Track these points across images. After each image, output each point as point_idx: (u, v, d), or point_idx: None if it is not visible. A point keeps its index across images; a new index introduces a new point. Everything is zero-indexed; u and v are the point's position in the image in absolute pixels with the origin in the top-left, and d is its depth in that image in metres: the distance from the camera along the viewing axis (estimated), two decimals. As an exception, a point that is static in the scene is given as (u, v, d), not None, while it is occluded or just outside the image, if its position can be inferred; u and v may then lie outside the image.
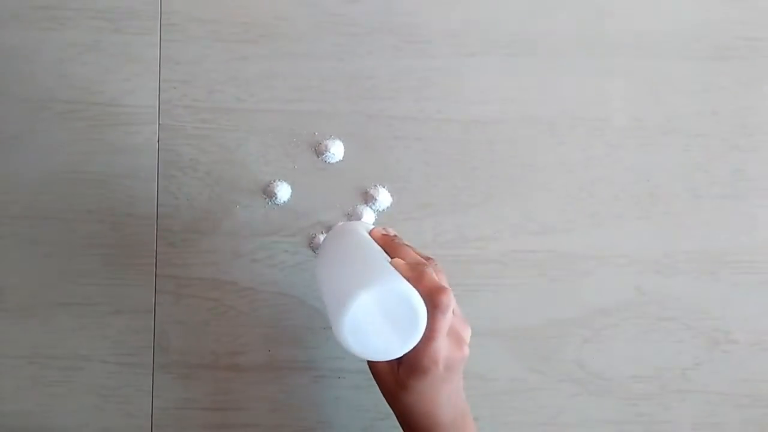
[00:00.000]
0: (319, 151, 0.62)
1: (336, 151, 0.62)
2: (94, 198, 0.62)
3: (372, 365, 0.52)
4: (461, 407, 0.53)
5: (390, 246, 0.52)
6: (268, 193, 0.62)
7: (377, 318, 0.45)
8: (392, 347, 0.46)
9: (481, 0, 0.62)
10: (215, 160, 0.62)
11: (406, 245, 0.52)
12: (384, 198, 0.62)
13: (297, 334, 0.63)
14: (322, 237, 0.62)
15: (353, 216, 0.62)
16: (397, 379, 0.50)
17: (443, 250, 0.62)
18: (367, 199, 0.62)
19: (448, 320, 0.47)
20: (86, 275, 0.62)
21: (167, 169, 0.62)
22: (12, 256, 0.62)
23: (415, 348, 0.46)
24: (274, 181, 0.62)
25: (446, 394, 0.50)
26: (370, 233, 0.54)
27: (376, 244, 0.52)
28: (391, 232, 0.55)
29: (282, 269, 0.62)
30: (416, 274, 0.48)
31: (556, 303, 0.63)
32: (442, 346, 0.48)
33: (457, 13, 0.62)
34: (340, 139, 0.62)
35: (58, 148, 0.62)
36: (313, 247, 0.62)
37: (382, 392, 0.53)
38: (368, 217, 0.62)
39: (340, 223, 0.59)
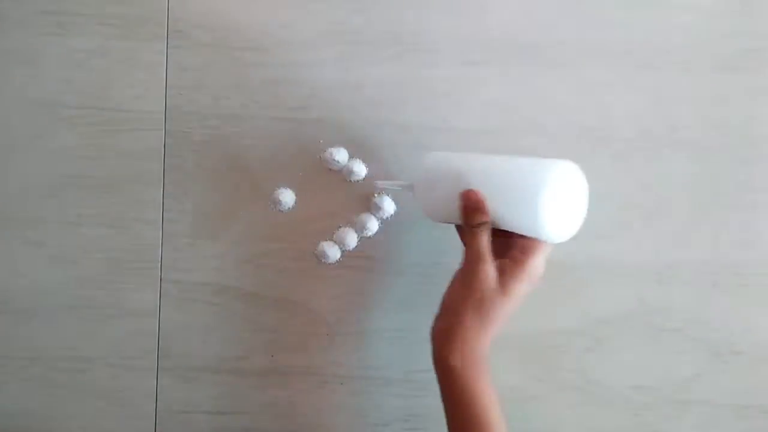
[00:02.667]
0: (324, 158, 0.62)
1: (341, 158, 0.62)
2: (101, 202, 0.62)
3: (486, 267, 0.52)
4: None
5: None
6: (273, 200, 0.62)
7: (563, 194, 0.50)
8: (564, 227, 0.51)
9: (485, 10, 0.62)
10: (221, 166, 0.63)
11: None
12: (388, 206, 0.62)
13: (300, 339, 0.63)
14: (326, 244, 0.62)
15: (357, 224, 0.62)
16: (502, 282, 0.52)
17: (447, 258, 0.62)
18: (372, 206, 0.62)
19: None
20: (91, 278, 0.63)
21: (173, 175, 0.62)
22: (18, 258, 0.62)
23: (535, 256, 0.52)
24: (279, 187, 0.62)
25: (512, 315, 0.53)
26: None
27: None
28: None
29: (286, 275, 0.63)
30: None
31: (558, 312, 0.63)
32: (544, 262, 0.53)
33: (462, 24, 0.62)
34: (344, 146, 0.62)
35: (65, 153, 0.62)
36: (318, 253, 0.62)
37: (465, 300, 0.52)
38: (373, 225, 0.62)
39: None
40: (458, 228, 0.58)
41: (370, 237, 0.62)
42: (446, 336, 0.53)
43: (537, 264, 0.52)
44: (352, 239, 0.62)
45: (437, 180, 0.55)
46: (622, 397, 0.63)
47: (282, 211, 0.62)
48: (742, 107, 0.62)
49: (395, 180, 0.61)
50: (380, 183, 0.61)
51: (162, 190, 0.62)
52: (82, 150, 0.62)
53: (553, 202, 0.49)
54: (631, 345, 0.63)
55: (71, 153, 0.62)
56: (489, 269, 0.52)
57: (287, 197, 0.62)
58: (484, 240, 0.52)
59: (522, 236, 0.53)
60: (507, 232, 0.53)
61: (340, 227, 0.63)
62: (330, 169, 0.62)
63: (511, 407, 0.62)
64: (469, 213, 0.53)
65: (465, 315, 0.52)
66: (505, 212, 0.52)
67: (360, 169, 0.62)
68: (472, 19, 0.62)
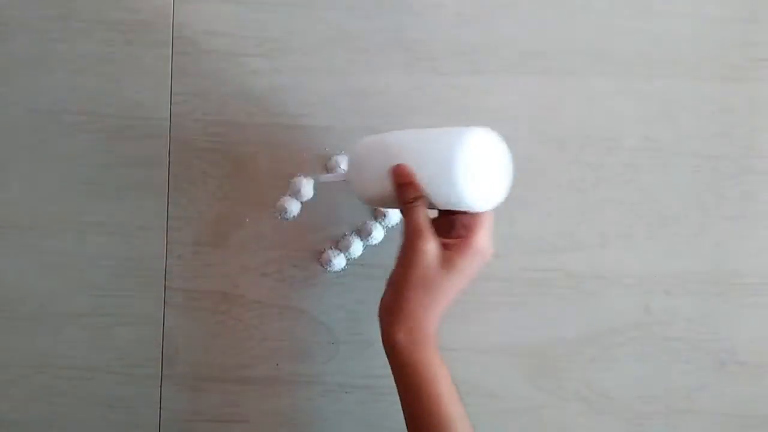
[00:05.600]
0: (329, 166, 0.62)
1: (346, 166, 0.61)
2: (105, 210, 0.62)
3: (424, 243, 0.51)
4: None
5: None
6: (278, 208, 0.62)
7: (483, 160, 0.49)
8: (489, 194, 0.50)
9: (492, 18, 0.62)
10: (225, 173, 0.62)
11: None
12: (393, 214, 0.62)
13: (305, 348, 0.63)
14: (331, 252, 0.62)
15: (363, 232, 0.62)
16: (445, 258, 0.51)
17: (452, 267, 0.62)
18: (377, 214, 0.62)
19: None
20: (96, 286, 0.62)
21: (177, 182, 0.62)
22: (23, 266, 0.62)
23: (477, 232, 0.51)
24: (284, 195, 0.62)
25: (457, 294, 0.52)
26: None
27: None
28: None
29: (291, 283, 0.63)
30: None
31: (563, 321, 0.63)
32: (490, 238, 0.52)
33: (469, 32, 0.62)
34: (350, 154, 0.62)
35: (69, 160, 0.62)
36: (323, 261, 0.62)
37: (407, 276, 0.51)
38: (378, 233, 0.62)
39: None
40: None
41: (375, 245, 0.62)
42: (391, 312, 0.52)
43: (480, 239, 0.51)
44: (357, 247, 0.62)
45: (367, 163, 0.54)
46: (628, 406, 0.63)
47: (287, 220, 0.62)
48: (748, 117, 0.62)
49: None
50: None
51: (166, 197, 0.62)
52: (87, 157, 0.62)
53: (468, 169, 0.48)
54: (637, 355, 0.63)
55: (75, 160, 0.62)
56: (429, 245, 0.51)
57: (293, 205, 0.62)
58: (421, 215, 0.51)
59: (464, 214, 0.52)
60: (451, 212, 0.52)
61: (345, 235, 0.62)
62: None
63: (516, 416, 0.63)
64: (401, 189, 0.51)
65: (408, 291, 0.51)
66: (430, 184, 0.50)
67: (365, 177, 0.62)
68: (480, 28, 0.62)
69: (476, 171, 0.49)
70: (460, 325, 0.62)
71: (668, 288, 0.62)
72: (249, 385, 0.63)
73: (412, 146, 0.52)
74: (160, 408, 0.63)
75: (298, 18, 0.62)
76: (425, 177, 0.50)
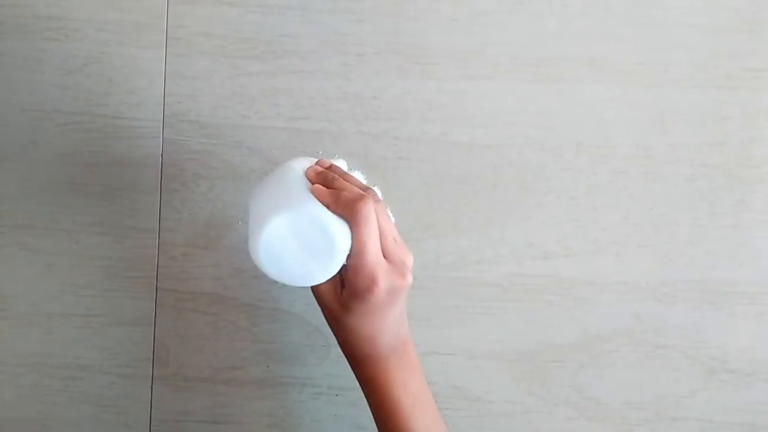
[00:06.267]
0: (322, 169, 0.62)
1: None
2: (97, 210, 0.62)
3: (315, 287, 0.51)
4: (403, 336, 0.53)
5: (326, 181, 0.51)
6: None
7: (294, 244, 0.47)
8: (313, 273, 0.48)
9: (488, 24, 0.62)
10: (218, 175, 0.62)
11: (344, 177, 0.52)
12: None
13: (296, 350, 0.63)
14: None
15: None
16: (341, 300, 0.50)
17: (444, 272, 0.62)
18: (370, 219, 0.62)
19: (373, 230, 0.48)
20: (88, 286, 0.62)
21: (170, 184, 0.62)
22: (15, 265, 0.62)
23: (353, 267, 0.48)
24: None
25: (388, 320, 0.51)
26: (306, 171, 0.53)
27: (303, 177, 0.52)
28: (326, 163, 0.54)
29: (282, 286, 0.62)
30: (333, 198, 0.48)
31: (554, 328, 0.63)
32: (379, 264, 0.48)
33: (464, 37, 0.62)
34: (344, 158, 0.62)
35: (62, 160, 0.62)
36: None
37: (325, 317, 0.53)
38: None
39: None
40: None
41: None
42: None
43: (367, 270, 0.48)
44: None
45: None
46: (618, 413, 0.63)
47: (280, 222, 0.62)
48: (742, 127, 0.62)
49: None
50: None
51: (159, 198, 0.62)
52: (79, 157, 0.62)
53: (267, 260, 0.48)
54: (627, 362, 0.63)
55: (68, 160, 0.62)
56: (322, 291, 0.52)
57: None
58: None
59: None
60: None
61: (337, 239, 0.62)
62: (328, 181, 0.62)
63: (506, 421, 0.63)
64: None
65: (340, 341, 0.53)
66: None
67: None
68: (474, 33, 0.62)
69: (280, 258, 0.48)
70: (450, 330, 0.62)
71: (660, 296, 0.63)
72: (240, 386, 0.63)
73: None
74: (151, 408, 0.63)
75: (293, 21, 0.62)
76: None
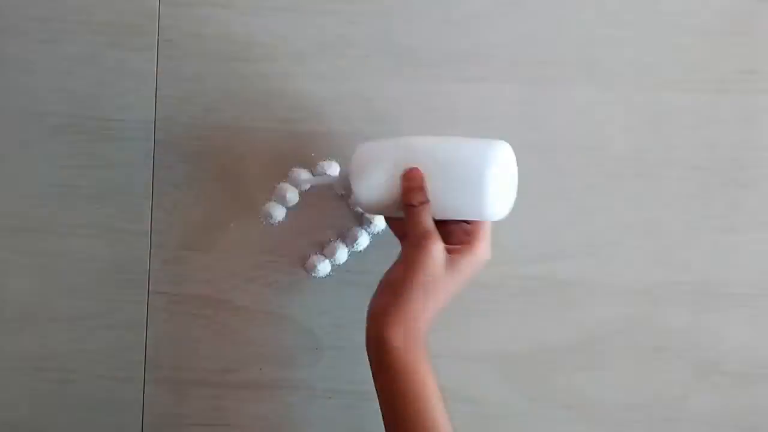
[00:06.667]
0: (315, 171, 0.62)
1: (332, 172, 0.61)
2: (89, 212, 0.62)
3: (428, 245, 0.51)
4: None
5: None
6: (263, 213, 0.62)
7: (500, 174, 0.52)
8: (508, 204, 0.54)
9: (480, 26, 0.62)
10: (211, 177, 0.62)
11: None
12: (379, 221, 0.62)
13: (289, 353, 0.63)
14: (316, 258, 0.62)
15: (348, 239, 0.62)
16: (451, 259, 0.51)
17: (437, 274, 0.62)
18: (363, 221, 0.62)
19: None
20: (80, 289, 0.62)
21: (162, 186, 0.62)
22: (6, 268, 0.62)
23: (484, 233, 0.53)
24: (270, 200, 0.62)
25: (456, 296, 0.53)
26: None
27: None
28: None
29: (276, 289, 0.62)
30: None
31: (549, 329, 0.63)
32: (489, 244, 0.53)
33: (457, 39, 0.62)
34: (336, 160, 0.62)
35: (53, 162, 0.62)
36: (307, 267, 0.62)
37: (412, 276, 0.51)
38: (363, 240, 0.61)
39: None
40: (390, 222, 0.58)
41: (360, 251, 0.62)
42: (388, 315, 0.51)
43: (484, 246, 0.53)
44: (342, 253, 0.62)
45: (373, 166, 0.54)
46: (612, 415, 0.63)
47: (272, 225, 0.62)
48: (736, 129, 0.62)
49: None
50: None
51: (151, 200, 0.62)
52: (71, 159, 0.62)
53: (496, 180, 0.51)
54: (621, 363, 0.63)
55: (60, 162, 0.62)
56: (437, 246, 0.51)
57: (278, 211, 0.61)
58: (429, 218, 0.52)
59: (459, 223, 0.53)
60: (443, 222, 0.53)
61: (330, 241, 0.62)
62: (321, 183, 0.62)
63: (501, 423, 0.63)
64: (411, 192, 0.52)
65: (411, 294, 0.51)
66: (447, 193, 0.52)
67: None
68: (469, 36, 0.62)
69: (501, 184, 0.52)
70: (445, 332, 0.62)
71: (653, 297, 0.63)
72: (232, 389, 0.63)
73: (429, 154, 0.53)
74: (143, 412, 0.63)
75: (286, 23, 0.61)
76: (442, 186, 0.52)
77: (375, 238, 0.62)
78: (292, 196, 0.61)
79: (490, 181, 0.51)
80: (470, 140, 0.54)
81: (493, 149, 0.52)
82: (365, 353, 0.55)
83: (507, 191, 0.53)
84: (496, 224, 0.61)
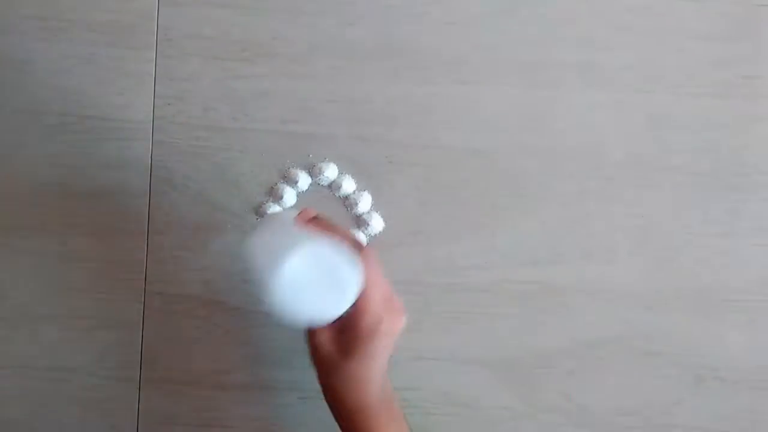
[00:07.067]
0: (313, 173, 0.61)
1: (330, 173, 0.61)
2: (85, 212, 0.62)
3: (313, 337, 0.51)
4: (389, 389, 0.53)
5: (321, 226, 0.52)
6: (261, 214, 0.62)
7: (310, 281, 0.47)
8: (328, 309, 0.48)
9: (480, 29, 0.61)
10: (208, 178, 0.62)
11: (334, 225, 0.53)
12: (376, 223, 0.62)
13: (284, 355, 0.63)
14: (269, 204, 0.61)
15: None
16: (341, 346, 0.50)
17: (433, 277, 0.62)
18: (360, 223, 0.62)
19: (379, 270, 0.50)
20: (75, 289, 0.62)
21: (159, 186, 0.62)
22: (1, 267, 0.62)
23: (361, 307, 0.48)
24: (267, 201, 0.62)
25: (382, 366, 0.50)
26: (295, 219, 0.53)
27: (296, 223, 0.52)
28: (312, 212, 0.54)
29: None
30: (338, 234, 0.50)
31: (544, 334, 0.63)
32: (384, 304, 0.49)
33: (456, 42, 0.61)
34: (334, 162, 0.61)
35: (50, 161, 0.61)
36: (260, 213, 0.61)
37: (319, 374, 0.52)
38: (361, 240, 0.61)
39: (269, 212, 0.59)
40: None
41: (357, 253, 0.62)
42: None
43: (366, 319, 0.49)
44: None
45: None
46: (605, 420, 0.63)
47: (269, 226, 0.62)
48: (734, 134, 0.62)
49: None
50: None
51: (148, 201, 0.62)
52: (68, 159, 0.61)
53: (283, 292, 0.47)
54: (616, 368, 0.63)
55: (56, 161, 0.61)
56: (318, 339, 0.51)
57: (275, 212, 0.61)
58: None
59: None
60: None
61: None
62: (318, 185, 0.62)
63: (494, 427, 0.63)
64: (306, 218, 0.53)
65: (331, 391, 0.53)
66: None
67: (349, 185, 0.61)
68: (466, 38, 0.61)
69: (297, 297, 0.47)
70: (439, 336, 0.62)
71: (650, 303, 0.62)
72: (227, 390, 0.63)
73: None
74: (138, 411, 0.62)
75: (284, 23, 0.61)
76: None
77: (372, 240, 0.62)
78: (290, 197, 0.61)
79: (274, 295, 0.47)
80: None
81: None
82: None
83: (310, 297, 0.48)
84: (493, 228, 0.62)
